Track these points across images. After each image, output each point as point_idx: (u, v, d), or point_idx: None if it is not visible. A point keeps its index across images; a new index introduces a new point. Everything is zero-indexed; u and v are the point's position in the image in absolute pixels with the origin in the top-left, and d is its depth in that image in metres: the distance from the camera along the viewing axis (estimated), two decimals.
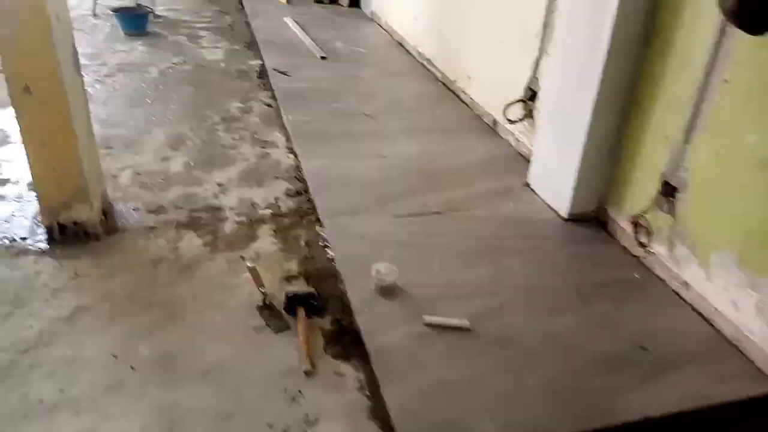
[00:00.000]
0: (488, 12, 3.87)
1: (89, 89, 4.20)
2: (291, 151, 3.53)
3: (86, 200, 2.49)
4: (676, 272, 2.42)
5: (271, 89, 4.44)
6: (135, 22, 5.50)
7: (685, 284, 2.37)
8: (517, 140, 3.57)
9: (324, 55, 5.10)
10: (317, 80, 4.58)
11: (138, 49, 5.17)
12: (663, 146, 2.45)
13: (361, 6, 6.89)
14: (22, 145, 2.35)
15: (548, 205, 2.95)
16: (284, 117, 3.90)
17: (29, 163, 2.38)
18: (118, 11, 5.52)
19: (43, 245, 2.47)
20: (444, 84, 4.62)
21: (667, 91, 2.42)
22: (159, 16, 6.17)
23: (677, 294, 2.40)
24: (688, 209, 2.35)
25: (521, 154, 3.51)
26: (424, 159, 3.41)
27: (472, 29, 4.11)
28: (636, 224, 2.59)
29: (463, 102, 4.29)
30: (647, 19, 2.44)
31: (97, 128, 3.61)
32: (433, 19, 4.81)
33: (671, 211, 2.43)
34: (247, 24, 6.17)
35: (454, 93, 4.44)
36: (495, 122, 3.85)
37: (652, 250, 2.53)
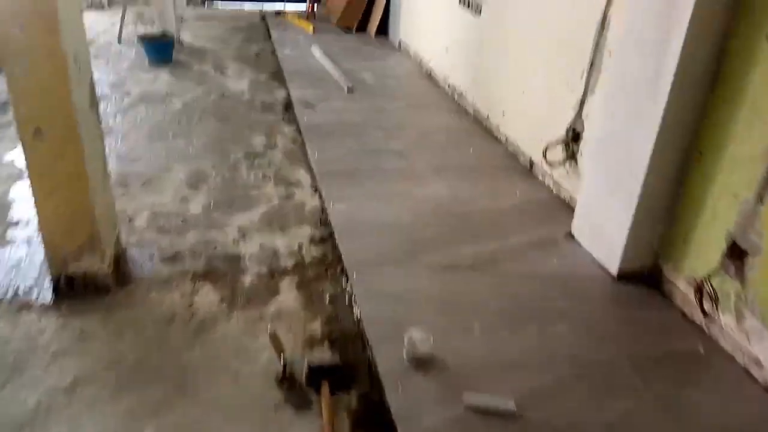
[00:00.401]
0: (528, 47, 3.67)
1: (110, 121, 4.10)
2: (316, 191, 3.34)
3: (97, 249, 2.32)
4: (746, 347, 2.14)
5: (296, 122, 4.29)
6: (160, 50, 5.44)
7: (757, 362, 2.09)
8: (557, 184, 3.34)
9: (351, 86, 4.95)
10: (344, 113, 4.41)
11: (162, 78, 5.09)
12: (731, 204, 2.19)
13: (389, 35, 6.77)
14: (32, 192, 2.19)
15: (596, 261, 2.69)
16: (309, 153, 3.72)
17: (37, 211, 2.22)
18: (144, 39, 5.46)
19: (49, 298, 2.30)
20: (476, 119, 4.42)
21: (736, 144, 2.17)
22: (185, 45, 6.12)
23: (748, 372, 2.12)
24: (760, 277, 2.08)
25: (562, 200, 3.27)
26: (456, 202, 3.19)
27: (510, 64, 3.91)
28: (698, 288, 2.32)
29: (496, 139, 4.08)
30: (714, 63, 2.21)
31: (114, 164, 3.51)
32: (465, 51, 4.63)
33: (740, 277, 2.16)
34: (274, 53, 6.08)
35: (487, 129, 4.24)
36: (532, 163, 3.63)
37: (716, 319, 2.26)
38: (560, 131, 3.24)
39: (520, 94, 3.77)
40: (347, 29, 6.95)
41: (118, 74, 5.09)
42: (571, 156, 3.19)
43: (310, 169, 3.60)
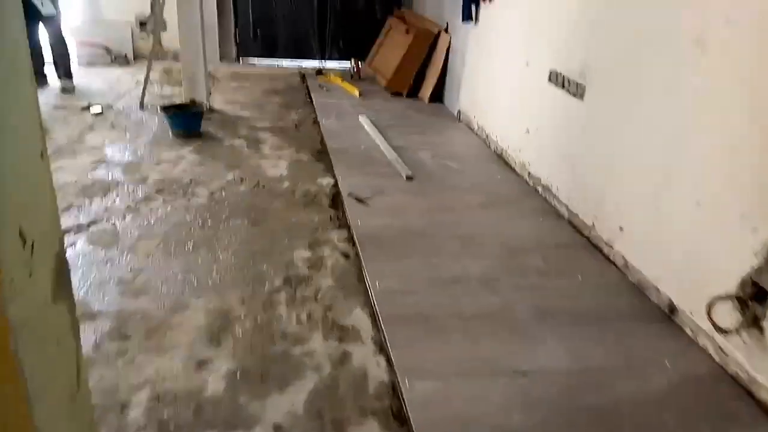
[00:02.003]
0: (668, 148, 2.75)
1: (117, 223, 3.28)
2: (381, 349, 2.42)
3: None
4: None
5: (347, 226, 3.41)
6: (187, 123, 4.68)
7: None
8: (724, 353, 2.36)
9: (410, 174, 4.08)
10: (405, 213, 3.53)
11: (187, 158, 4.30)
12: None
13: (445, 101, 5.95)
14: None
15: None
16: (368, 280, 2.83)
17: None
18: (169, 110, 4.72)
19: None
20: (573, 224, 3.49)
21: None
22: (215, 111, 5.38)
23: None
24: None
25: (733, 378, 2.29)
26: (587, 383, 2.22)
27: (632, 165, 2.99)
28: None
29: (608, 259, 3.13)
30: None
31: (114, 297, 2.65)
32: (558, 138, 3.74)
33: None
34: (316, 122, 5.29)
35: (592, 242, 3.30)
36: (673, 308, 2.66)
37: None
38: (730, 281, 2.29)
39: (651, 210, 2.83)
40: (398, 94, 6.17)
41: (135, 152, 4.33)
42: (753, 321, 2.22)
43: (369, 305, 2.69)
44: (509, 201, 3.84)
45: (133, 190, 3.71)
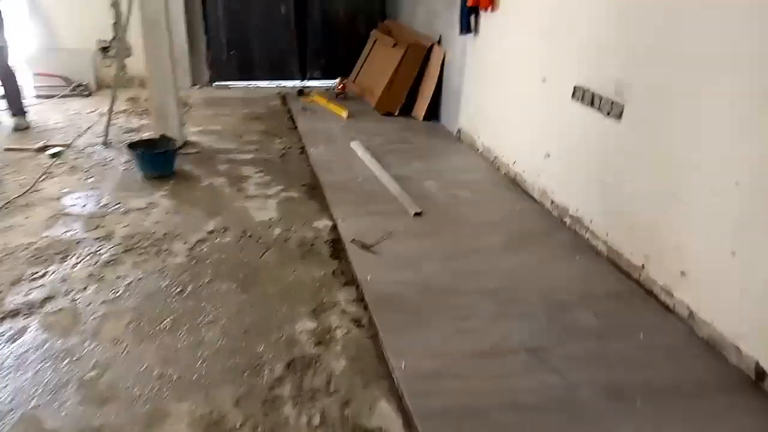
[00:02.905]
0: (752, 175, 2.28)
1: (77, 298, 2.70)
2: None
3: None
4: None
5: (355, 282, 2.88)
6: (158, 162, 4.11)
7: None
8: None
9: (418, 210, 3.57)
10: (420, 262, 3.01)
11: (159, 204, 3.72)
12: None
13: (441, 119, 5.47)
14: None
15: None
16: (390, 362, 2.30)
17: None
18: (137, 149, 4.14)
19: None
20: (614, 263, 3.00)
21: None
22: (190, 143, 4.81)
23: None
24: None
25: None
26: None
27: (701, 195, 2.52)
28: None
29: (666, 307, 2.65)
30: None
31: (74, 408, 2.05)
32: (588, 162, 3.25)
33: None
34: (304, 152, 4.75)
35: (641, 285, 2.82)
36: (762, 373, 2.19)
37: None
38: None
39: (725, 251, 2.35)
40: (389, 113, 5.67)
41: (98, 201, 3.73)
42: None
43: (395, 395, 2.16)
44: (535, 237, 3.34)
45: (97, 251, 3.13)
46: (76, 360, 2.31)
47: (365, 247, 3.14)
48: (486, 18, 4.43)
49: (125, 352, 2.37)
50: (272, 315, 2.64)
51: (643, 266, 2.84)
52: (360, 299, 2.76)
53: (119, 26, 4.79)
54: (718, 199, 2.38)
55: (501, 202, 3.84)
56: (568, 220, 3.46)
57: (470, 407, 2.06)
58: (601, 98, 3.09)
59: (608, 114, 3.03)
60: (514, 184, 4.08)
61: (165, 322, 2.57)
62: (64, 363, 2.30)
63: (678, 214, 2.61)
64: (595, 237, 3.20)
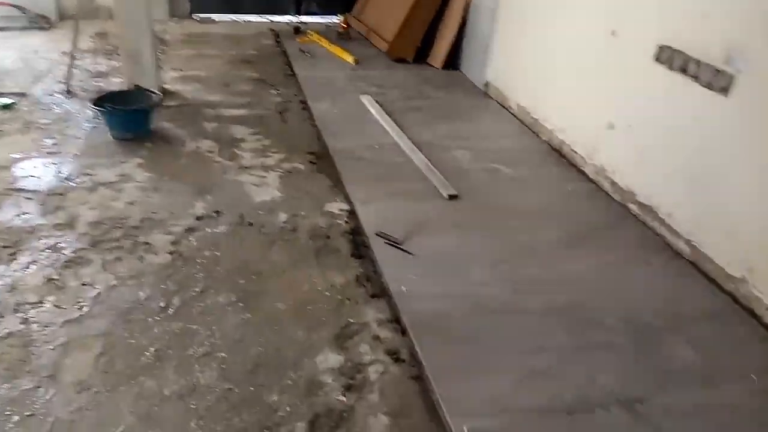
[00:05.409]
0: None
1: (29, 316, 2.07)
2: None
3: None
4: None
5: (386, 293, 2.29)
6: (131, 122, 3.36)
7: None
8: None
9: (454, 192, 2.95)
10: (466, 266, 2.41)
11: (134, 177, 3.03)
12: None
13: (462, 68, 4.73)
14: None
15: None
16: (448, 422, 1.75)
17: None
18: (103, 103, 3.37)
19: None
20: (700, 270, 2.46)
21: None
22: (168, 94, 4.04)
23: None
24: None
25: None
26: None
27: None
28: None
29: None
30: None
31: None
32: (673, 142, 2.62)
33: None
34: (306, 107, 4.02)
35: (737, 301, 2.28)
36: None
37: None
38: None
39: None
40: (401, 59, 4.90)
41: (59, 171, 3.02)
42: None
43: None
44: (598, 230, 2.76)
45: (56, 244, 2.47)
46: (26, 422, 1.72)
47: (394, 243, 2.54)
48: None
49: (93, 405, 1.78)
50: (285, 345, 2.05)
51: (743, 277, 2.29)
52: (395, 320, 2.18)
53: None
54: None
55: (548, 180, 3.22)
56: (634, 207, 2.87)
57: None
58: (699, 63, 2.42)
59: (709, 85, 2.38)
60: (560, 155, 3.45)
61: (146, 354, 1.97)
62: (9, 426, 1.70)
63: None
64: (675, 235, 2.62)
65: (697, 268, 2.49)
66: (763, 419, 1.83)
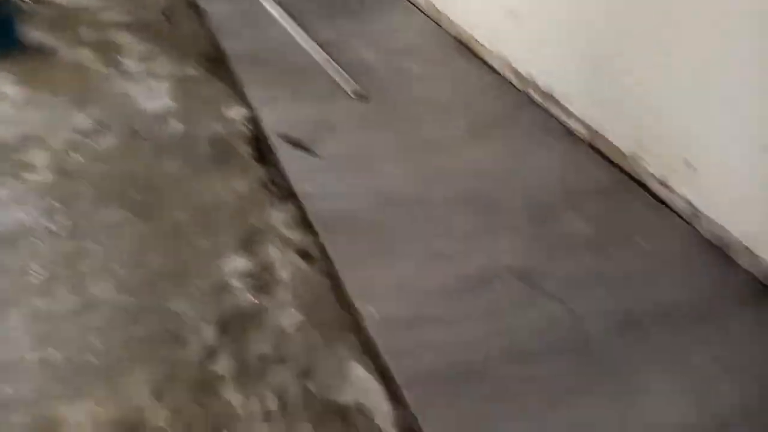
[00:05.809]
0: None
1: None
2: None
3: None
4: None
5: (292, 194, 2.24)
6: None
7: None
8: None
9: (359, 90, 2.86)
10: (372, 161, 2.40)
11: (7, 94, 2.70)
12: None
13: None
14: None
15: None
16: (356, 307, 1.78)
17: None
18: None
19: None
20: (597, 151, 2.56)
21: None
22: (41, 2, 3.56)
23: None
24: None
25: None
26: None
27: (710, 68, 2.04)
28: None
29: (662, 202, 2.29)
30: None
31: None
32: (567, 25, 2.64)
33: None
34: (194, 6, 3.69)
35: (632, 178, 2.42)
36: None
37: None
38: None
39: (744, 140, 1.94)
40: None
41: None
42: None
43: (369, 353, 1.68)
44: (503, 119, 2.79)
45: None
46: None
47: (299, 145, 2.46)
48: None
49: None
50: (188, 252, 1.98)
51: (632, 157, 2.41)
52: (303, 220, 2.15)
53: None
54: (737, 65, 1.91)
55: (453, 74, 3.18)
56: (536, 96, 2.91)
57: (464, 363, 1.62)
58: None
59: None
60: (467, 49, 3.39)
61: (35, 275, 1.85)
62: None
63: (681, 89, 2.13)
64: (573, 118, 2.69)
65: (596, 149, 2.60)
66: (647, 279, 2.00)
